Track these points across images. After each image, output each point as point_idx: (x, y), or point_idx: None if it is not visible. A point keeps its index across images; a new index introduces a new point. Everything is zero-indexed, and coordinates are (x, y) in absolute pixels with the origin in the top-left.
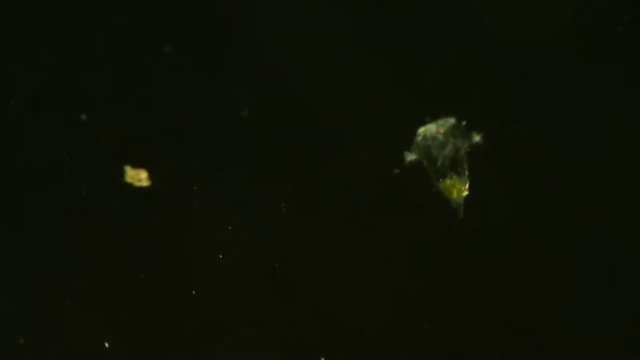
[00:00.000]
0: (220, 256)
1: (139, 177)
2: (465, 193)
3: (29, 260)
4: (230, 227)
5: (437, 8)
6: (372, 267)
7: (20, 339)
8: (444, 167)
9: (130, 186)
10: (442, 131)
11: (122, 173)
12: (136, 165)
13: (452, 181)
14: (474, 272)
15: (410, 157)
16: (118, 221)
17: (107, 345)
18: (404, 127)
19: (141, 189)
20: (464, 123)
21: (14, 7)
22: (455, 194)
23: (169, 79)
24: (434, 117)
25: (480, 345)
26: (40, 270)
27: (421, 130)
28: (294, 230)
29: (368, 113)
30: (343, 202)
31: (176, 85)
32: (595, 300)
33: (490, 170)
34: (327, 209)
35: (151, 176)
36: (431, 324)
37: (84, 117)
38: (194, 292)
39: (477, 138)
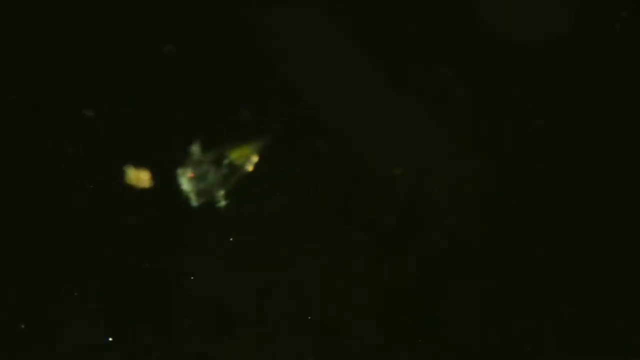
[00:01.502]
0: (218, 257)
1: (140, 178)
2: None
3: (30, 259)
4: (229, 227)
5: (437, 8)
6: (369, 268)
7: (22, 329)
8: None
9: (131, 187)
10: (192, 174)
11: (123, 174)
12: (138, 166)
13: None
14: (473, 273)
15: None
16: (119, 221)
17: (110, 339)
18: (404, 127)
19: (142, 189)
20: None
21: (16, 5)
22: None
23: (170, 79)
24: (434, 118)
25: (478, 345)
26: (41, 269)
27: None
28: (294, 230)
29: (368, 113)
30: (343, 203)
31: (177, 85)
32: (595, 300)
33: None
34: (326, 209)
35: (153, 177)
36: (424, 327)
37: (85, 117)
38: (191, 291)
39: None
